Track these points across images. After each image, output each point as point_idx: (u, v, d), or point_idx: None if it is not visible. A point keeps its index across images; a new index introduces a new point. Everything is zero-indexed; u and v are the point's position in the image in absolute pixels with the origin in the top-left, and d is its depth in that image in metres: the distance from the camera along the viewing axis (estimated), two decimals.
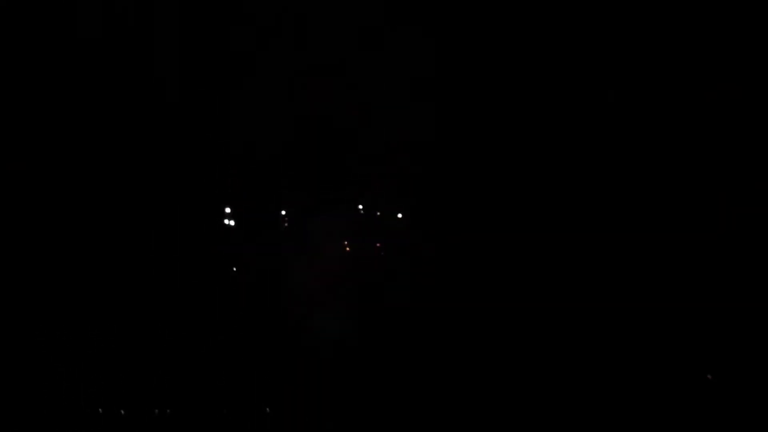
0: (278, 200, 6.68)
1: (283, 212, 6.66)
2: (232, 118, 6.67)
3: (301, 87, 6.72)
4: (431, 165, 6.69)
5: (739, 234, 6.39)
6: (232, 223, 6.65)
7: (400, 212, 6.71)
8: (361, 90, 6.73)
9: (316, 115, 6.74)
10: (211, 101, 6.66)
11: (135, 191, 6.55)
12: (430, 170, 6.69)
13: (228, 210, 6.58)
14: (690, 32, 6.53)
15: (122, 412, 6.25)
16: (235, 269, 6.61)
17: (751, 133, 6.48)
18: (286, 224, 6.69)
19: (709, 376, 6.16)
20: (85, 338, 6.35)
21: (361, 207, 6.70)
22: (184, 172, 6.61)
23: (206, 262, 6.56)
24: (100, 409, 6.23)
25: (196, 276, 6.53)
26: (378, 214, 6.72)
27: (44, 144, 6.53)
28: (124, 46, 6.60)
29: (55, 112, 6.55)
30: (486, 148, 6.66)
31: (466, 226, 6.60)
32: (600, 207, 6.52)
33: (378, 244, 6.72)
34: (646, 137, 6.55)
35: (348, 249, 6.69)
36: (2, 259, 6.41)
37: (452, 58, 6.68)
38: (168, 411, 6.28)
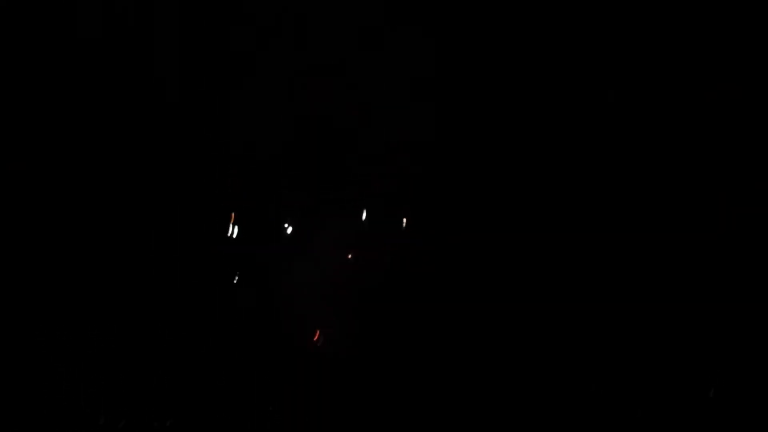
0: (278, 200, 6.68)
1: (286, 225, 6.65)
2: (232, 118, 6.67)
3: (301, 87, 6.71)
4: (431, 165, 6.69)
5: (739, 234, 6.39)
6: (232, 223, 6.65)
7: (403, 217, 6.70)
8: (361, 90, 6.73)
9: (316, 115, 6.73)
10: (211, 101, 6.66)
11: (135, 191, 6.55)
12: (430, 170, 6.69)
13: (231, 218, 6.58)
14: (690, 32, 6.53)
15: (122, 412, 6.25)
16: (235, 270, 6.61)
17: (751, 133, 6.48)
18: (286, 225, 6.69)
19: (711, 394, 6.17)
20: (85, 338, 6.36)
21: (364, 213, 6.68)
22: (184, 172, 6.61)
23: (206, 263, 6.56)
24: (100, 410, 6.24)
25: (196, 276, 6.53)
26: (380, 216, 6.70)
27: (44, 144, 6.53)
28: (124, 46, 6.59)
29: (55, 112, 6.55)
30: (486, 147, 6.66)
31: (466, 226, 6.60)
32: (600, 207, 6.52)
33: (378, 246, 6.72)
34: (646, 137, 6.55)
35: (350, 250, 6.69)
36: (2, 259, 6.41)
37: (452, 58, 6.68)
38: (167, 411, 6.28)
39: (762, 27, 6.47)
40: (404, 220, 6.68)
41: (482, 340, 6.41)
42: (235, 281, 6.57)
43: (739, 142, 6.47)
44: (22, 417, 6.19)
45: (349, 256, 6.66)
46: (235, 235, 6.61)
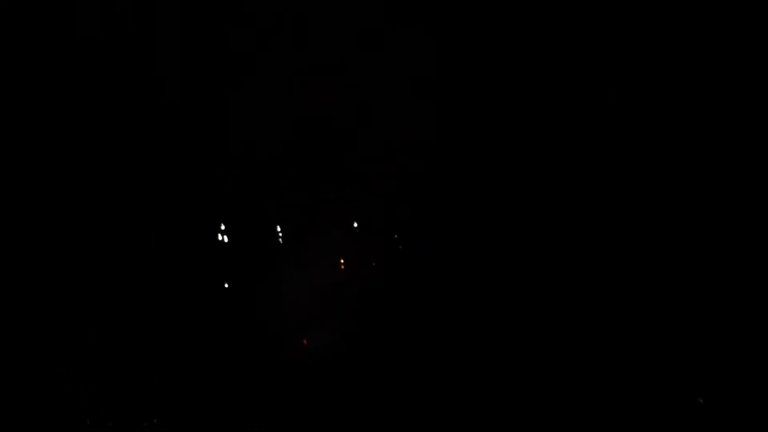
0: (278, 200, 6.68)
1: (286, 225, 6.65)
2: (232, 118, 6.67)
3: (301, 87, 6.72)
4: (431, 165, 6.69)
5: (739, 234, 6.39)
6: (231, 223, 6.65)
7: (403, 217, 6.70)
8: (361, 90, 6.73)
9: (316, 115, 6.73)
10: (211, 101, 6.66)
11: (134, 191, 6.55)
12: (430, 170, 6.69)
13: (230, 218, 6.58)
14: (690, 32, 6.53)
15: (119, 413, 6.26)
16: (234, 270, 6.61)
17: (751, 133, 6.48)
18: (286, 225, 6.69)
19: (700, 400, 6.17)
20: (85, 338, 6.36)
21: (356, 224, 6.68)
22: (184, 172, 6.61)
23: (206, 262, 6.56)
24: (99, 409, 6.25)
25: (196, 276, 6.53)
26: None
27: (44, 144, 6.54)
28: (124, 46, 6.60)
29: (55, 112, 6.55)
30: (486, 147, 6.66)
31: (466, 226, 6.60)
32: (600, 207, 6.52)
33: (377, 245, 6.72)
34: (646, 137, 6.55)
35: (349, 250, 6.69)
36: (2, 259, 6.41)
37: (452, 58, 6.68)
38: (164, 413, 6.29)
39: (762, 27, 6.47)
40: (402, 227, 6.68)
41: (482, 341, 6.41)
42: (234, 281, 6.57)
43: (739, 142, 6.47)
44: (22, 417, 6.20)
45: (348, 256, 6.66)
46: (234, 235, 6.61)
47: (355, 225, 6.71)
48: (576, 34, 6.61)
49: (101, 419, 6.25)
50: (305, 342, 6.43)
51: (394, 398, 6.34)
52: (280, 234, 6.68)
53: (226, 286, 6.57)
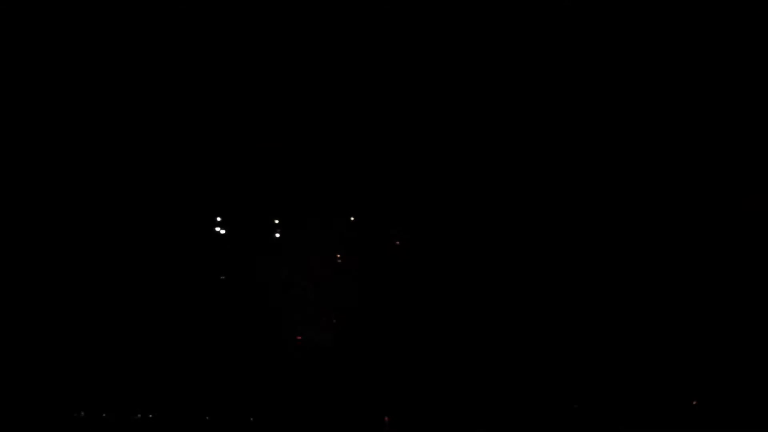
0: (276, 200, 6.68)
1: (283, 225, 6.65)
2: (232, 118, 6.68)
3: (302, 87, 6.72)
4: (431, 165, 6.69)
5: (739, 234, 6.39)
6: (228, 222, 6.66)
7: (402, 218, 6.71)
8: (362, 90, 6.73)
9: (316, 115, 6.74)
10: (212, 102, 6.67)
11: (133, 191, 6.56)
12: (430, 170, 6.70)
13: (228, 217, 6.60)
14: (690, 32, 6.54)
15: (116, 413, 6.27)
16: (231, 268, 6.62)
17: (751, 132, 6.48)
18: (283, 225, 6.70)
19: (694, 402, 6.18)
20: (81, 338, 6.37)
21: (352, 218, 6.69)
22: (183, 172, 6.62)
23: (203, 261, 6.57)
24: (93, 411, 6.26)
25: (193, 274, 6.54)
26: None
27: (44, 144, 6.54)
28: (124, 46, 6.60)
29: (55, 112, 6.56)
30: (486, 148, 6.67)
31: (465, 226, 6.60)
32: (600, 207, 6.53)
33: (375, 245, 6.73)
34: (646, 137, 6.56)
35: (346, 250, 6.70)
36: (2, 258, 6.43)
37: (452, 58, 6.69)
38: (160, 414, 6.30)
39: (762, 27, 6.48)
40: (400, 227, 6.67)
41: (481, 341, 6.42)
42: (232, 278, 6.58)
43: (739, 142, 6.48)
44: (22, 416, 6.21)
45: (346, 255, 6.67)
46: (231, 235, 6.62)
47: (354, 224, 6.72)
48: (576, 33, 6.61)
49: (98, 414, 6.27)
50: (301, 338, 6.45)
51: (392, 396, 6.35)
52: (279, 232, 6.68)
53: (224, 283, 6.58)
